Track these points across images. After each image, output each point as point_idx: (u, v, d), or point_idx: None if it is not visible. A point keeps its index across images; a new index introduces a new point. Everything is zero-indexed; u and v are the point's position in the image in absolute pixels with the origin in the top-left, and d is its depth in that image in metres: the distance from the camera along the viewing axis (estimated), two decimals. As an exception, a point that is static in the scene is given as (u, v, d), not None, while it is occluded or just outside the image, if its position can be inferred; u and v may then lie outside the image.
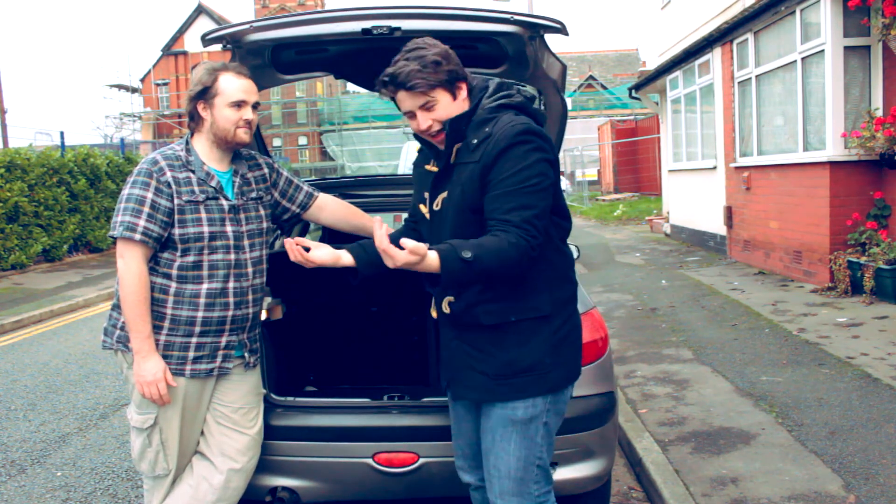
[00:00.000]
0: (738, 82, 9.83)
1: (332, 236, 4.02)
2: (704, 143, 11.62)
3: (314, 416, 2.84)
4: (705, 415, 4.37)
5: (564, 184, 24.92)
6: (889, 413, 4.17)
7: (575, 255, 2.85)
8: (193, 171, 2.52)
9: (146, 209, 2.42)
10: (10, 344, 7.77)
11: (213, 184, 2.54)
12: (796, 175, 8.19)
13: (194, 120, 2.57)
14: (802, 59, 7.98)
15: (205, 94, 2.51)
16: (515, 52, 2.89)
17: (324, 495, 2.80)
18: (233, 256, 2.55)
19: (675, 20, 14.13)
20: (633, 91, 15.86)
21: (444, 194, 2.21)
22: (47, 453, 4.48)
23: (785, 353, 5.51)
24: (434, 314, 2.32)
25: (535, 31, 2.75)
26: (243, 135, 2.53)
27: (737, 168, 9.91)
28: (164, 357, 2.48)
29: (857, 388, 4.60)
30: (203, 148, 2.57)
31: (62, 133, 14.77)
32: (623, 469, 3.97)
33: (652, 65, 25.18)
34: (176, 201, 2.46)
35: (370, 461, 2.73)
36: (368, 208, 3.08)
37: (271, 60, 3.12)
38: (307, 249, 2.21)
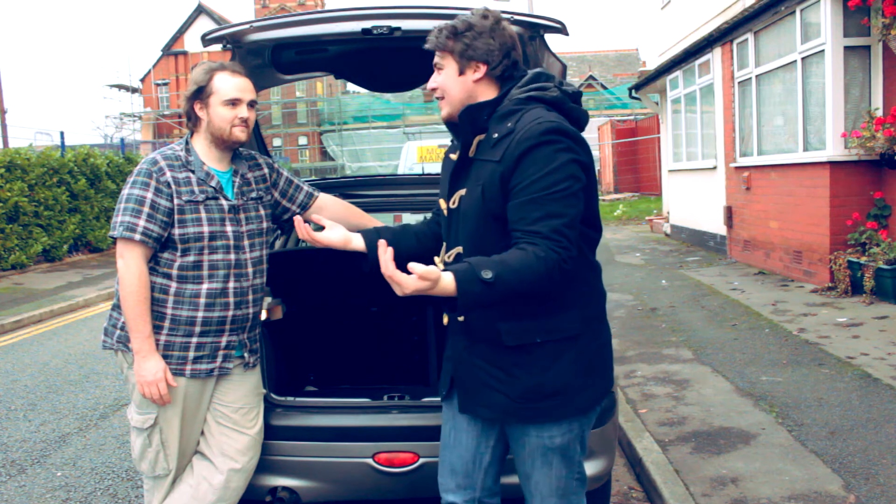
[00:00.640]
0: (739, 82, 9.83)
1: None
2: (704, 143, 11.62)
3: (314, 416, 2.84)
4: (705, 415, 4.37)
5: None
6: (889, 413, 4.17)
7: None
8: (193, 171, 2.52)
9: (146, 209, 2.42)
10: (10, 344, 7.77)
11: (213, 184, 2.54)
12: (796, 175, 8.19)
13: (192, 120, 2.57)
14: (802, 59, 7.98)
15: (201, 93, 2.51)
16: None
17: (324, 495, 2.80)
18: (233, 256, 2.55)
19: (675, 20, 14.14)
20: (633, 91, 15.87)
21: (463, 191, 2.06)
22: (47, 453, 4.48)
23: (785, 353, 5.51)
24: (445, 320, 2.19)
25: (535, 31, 2.75)
26: (239, 133, 2.53)
27: (737, 168, 9.91)
28: (165, 357, 2.48)
29: (858, 388, 4.59)
30: (202, 148, 2.57)
31: (62, 133, 14.79)
32: (623, 469, 3.97)
33: (652, 65, 25.18)
34: (176, 201, 2.46)
35: (370, 461, 2.73)
36: (368, 208, 3.08)
37: (271, 60, 3.12)
38: (322, 228, 2.15)
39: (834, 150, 7.41)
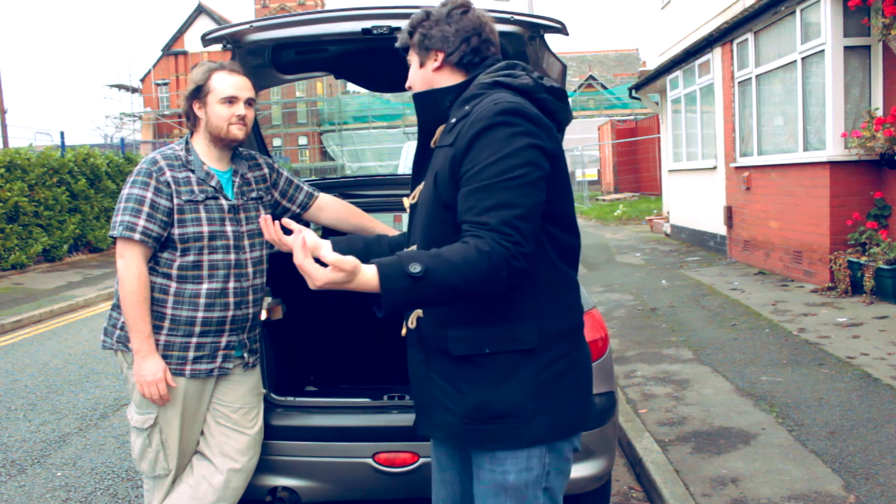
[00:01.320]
0: (738, 82, 9.83)
1: (332, 236, 4.02)
2: (704, 143, 11.62)
3: (314, 416, 2.84)
4: (705, 415, 4.37)
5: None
6: (889, 413, 4.17)
7: None
8: (193, 171, 2.52)
9: (146, 209, 2.42)
10: (10, 344, 7.77)
11: (213, 183, 2.54)
12: (796, 175, 8.19)
13: (191, 120, 2.58)
14: (802, 59, 7.98)
15: (199, 92, 2.52)
16: (515, 52, 2.89)
17: (324, 495, 2.80)
18: (233, 256, 2.55)
19: (675, 20, 14.14)
20: (633, 91, 15.87)
21: (422, 185, 1.87)
22: (47, 453, 4.48)
23: (785, 353, 5.51)
24: (403, 331, 1.94)
25: (535, 30, 2.75)
26: (237, 131, 2.53)
27: (737, 168, 9.91)
28: (164, 357, 2.48)
29: (858, 388, 4.59)
30: (202, 147, 2.57)
31: (62, 133, 14.78)
32: (623, 469, 3.97)
33: (652, 65, 25.19)
34: (175, 201, 2.46)
35: (370, 461, 2.73)
36: (368, 208, 3.08)
37: (271, 60, 3.12)
38: (290, 232, 1.83)
39: (834, 150, 7.40)
